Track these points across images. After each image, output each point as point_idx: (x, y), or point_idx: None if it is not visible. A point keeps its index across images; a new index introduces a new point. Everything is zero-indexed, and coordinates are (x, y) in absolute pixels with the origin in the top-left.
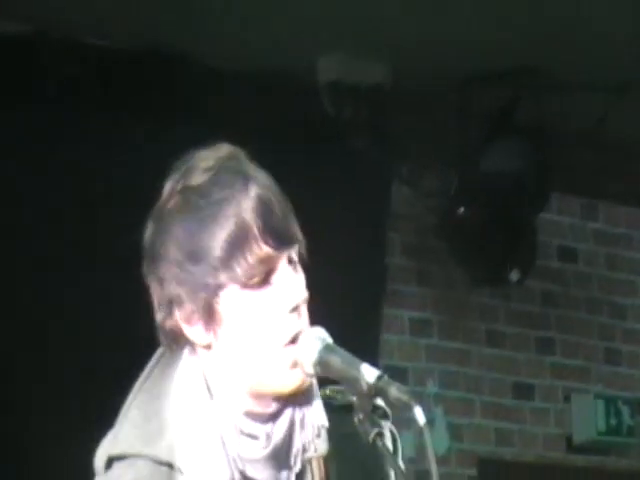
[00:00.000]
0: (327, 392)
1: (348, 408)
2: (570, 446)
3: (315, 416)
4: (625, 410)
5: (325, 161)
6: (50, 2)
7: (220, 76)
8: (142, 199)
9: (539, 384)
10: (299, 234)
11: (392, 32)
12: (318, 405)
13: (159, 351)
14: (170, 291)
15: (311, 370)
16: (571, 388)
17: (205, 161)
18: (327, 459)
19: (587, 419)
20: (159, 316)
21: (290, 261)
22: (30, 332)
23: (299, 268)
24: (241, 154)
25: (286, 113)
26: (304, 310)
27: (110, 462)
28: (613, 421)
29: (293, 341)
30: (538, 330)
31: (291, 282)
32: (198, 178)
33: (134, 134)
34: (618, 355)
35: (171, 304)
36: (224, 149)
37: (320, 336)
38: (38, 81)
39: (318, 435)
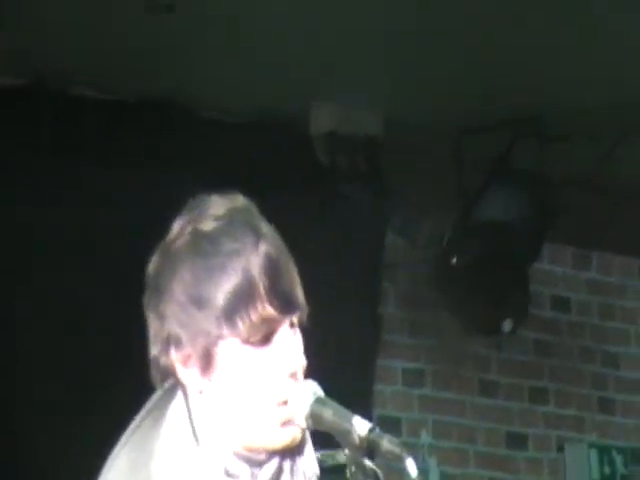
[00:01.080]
0: (319, 456)
1: (338, 470)
2: None
3: (307, 465)
4: (619, 459)
5: (318, 211)
6: (46, 54)
7: (213, 126)
8: (141, 247)
9: (533, 434)
10: (303, 299)
11: (386, 81)
12: (310, 454)
13: (148, 404)
14: (169, 329)
15: (303, 423)
16: (565, 438)
17: (217, 208)
18: None
19: (581, 468)
20: (154, 350)
21: (292, 325)
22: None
23: (298, 333)
24: (253, 208)
25: (278, 163)
26: (301, 376)
27: None
28: (607, 470)
29: (286, 403)
30: (531, 380)
31: (292, 347)
32: (209, 224)
33: (130, 184)
34: (611, 404)
35: (168, 342)
36: (237, 200)
37: (312, 389)
38: (33, 131)
39: None
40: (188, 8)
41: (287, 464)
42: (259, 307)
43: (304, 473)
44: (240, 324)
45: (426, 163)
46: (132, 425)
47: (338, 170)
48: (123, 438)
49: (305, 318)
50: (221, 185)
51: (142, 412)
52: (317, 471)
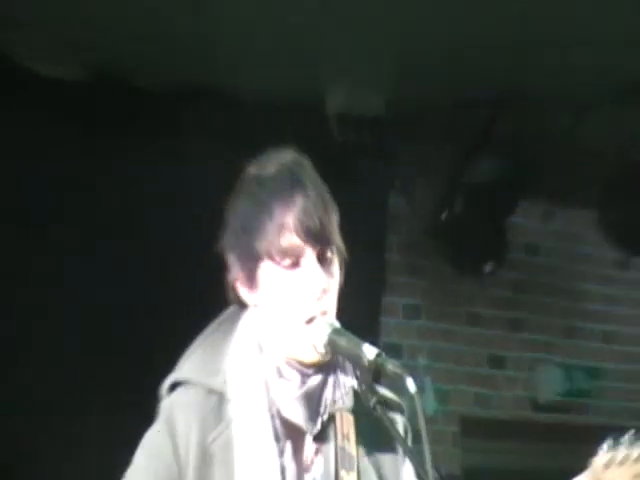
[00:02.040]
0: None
1: (383, 403)
2: (536, 406)
3: (347, 378)
4: (581, 376)
5: (335, 179)
6: (97, 46)
7: (243, 107)
8: (171, 225)
9: (510, 356)
10: (335, 238)
11: (387, 70)
12: (349, 369)
13: (220, 318)
14: (230, 255)
15: (322, 350)
16: (536, 359)
17: (272, 160)
18: (353, 419)
19: (549, 384)
20: (228, 273)
21: (323, 256)
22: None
23: (334, 266)
24: (305, 162)
25: (298, 139)
26: (325, 296)
27: (173, 387)
28: (571, 385)
29: (311, 321)
30: (509, 311)
31: (315, 271)
32: (263, 172)
33: (163, 163)
34: (575, 331)
35: (230, 266)
36: (290, 154)
37: (329, 322)
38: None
39: (347, 393)
40: (212, 8)
41: (331, 378)
42: (287, 236)
43: (344, 385)
44: (272, 249)
45: (423, 135)
46: (205, 333)
47: (349, 145)
48: (196, 343)
49: (342, 255)
50: (247, 156)
51: (213, 324)
52: (354, 384)
